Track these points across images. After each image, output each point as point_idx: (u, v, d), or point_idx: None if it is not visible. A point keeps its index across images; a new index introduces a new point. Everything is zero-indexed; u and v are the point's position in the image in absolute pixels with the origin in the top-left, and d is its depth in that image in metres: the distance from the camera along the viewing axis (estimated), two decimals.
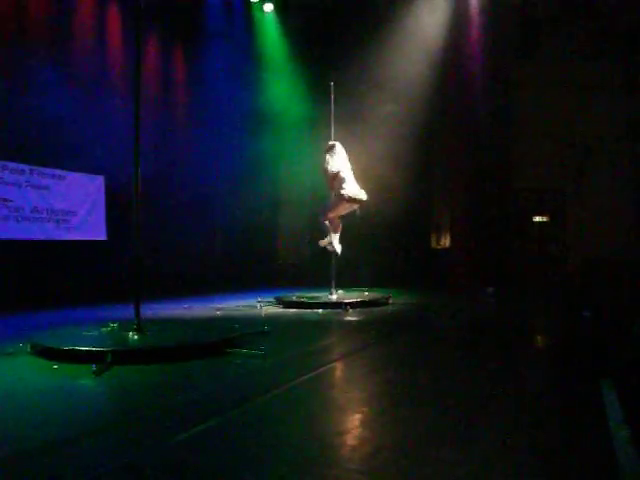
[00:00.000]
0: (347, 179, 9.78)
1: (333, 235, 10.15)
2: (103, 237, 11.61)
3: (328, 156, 9.93)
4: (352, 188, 9.76)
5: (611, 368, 4.74)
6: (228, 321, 7.71)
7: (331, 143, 10.01)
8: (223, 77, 13.94)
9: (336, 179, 9.82)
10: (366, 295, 10.47)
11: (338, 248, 10.16)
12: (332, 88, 10.50)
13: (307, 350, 5.68)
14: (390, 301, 10.22)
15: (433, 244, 14.73)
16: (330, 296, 9.98)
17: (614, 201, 12.50)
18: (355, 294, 10.56)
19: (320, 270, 10.63)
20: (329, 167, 9.91)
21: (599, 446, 2.92)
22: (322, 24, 14.75)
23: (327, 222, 10.11)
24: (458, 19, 13.69)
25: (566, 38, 13.04)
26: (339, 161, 9.89)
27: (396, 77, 13.48)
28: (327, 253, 10.42)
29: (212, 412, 3.52)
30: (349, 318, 8.42)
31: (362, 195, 9.78)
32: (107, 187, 11.66)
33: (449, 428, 3.20)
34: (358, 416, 3.42)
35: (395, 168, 13.01)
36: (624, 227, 12.25)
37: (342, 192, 9.69)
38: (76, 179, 11.21)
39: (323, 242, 10.26)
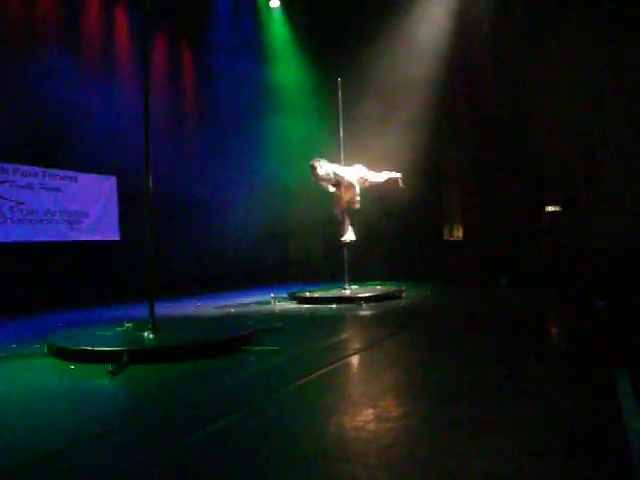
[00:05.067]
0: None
1: (348, 227, 10.27)
2: (116, 237, 11.68)
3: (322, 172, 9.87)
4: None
5: (625, 358, 4.72)
6: (242, 318, 7.73)
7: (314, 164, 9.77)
8: (231, 73, 13.95)
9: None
10: (379, 289, 10.47)
11: (353, 236, 10.34)
12: (339, 84, 10.49)
13: (321, 345, 5.70)
14: (404, 294, 10.22)
15: (446, 236, 14.70)
16: (343, 291, 10.00)
17: (627, 190, 12.41)
18: (368, 288, 10.57)
19: (333, 265, 10.64)
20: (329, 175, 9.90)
21: (613, 436, 2.92)
22: (329, 18, 14.72)
23: (341, 212, 10.23)
24: (466, 10, 13.64)
25: (576, 24, 12.95)
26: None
27: (405, 69, 13.44)
28: (340, 248, 10.45)
29: (228, 410, 3.54)
30: (363, 313, 8.43)
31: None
32: (120, 187, 11.72)
33: (464, 421, 3.21)
34: (373, 410, 3.43)
35: (406, 160, 12.98)
36: (638, 216, 12.16)
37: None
38: (88, 180, 11.28)
39: (345, 238, 10.30)
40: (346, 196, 10.16)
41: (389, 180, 10.60)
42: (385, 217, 13.74)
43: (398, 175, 10.65)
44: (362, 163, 10.35)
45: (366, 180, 10.20)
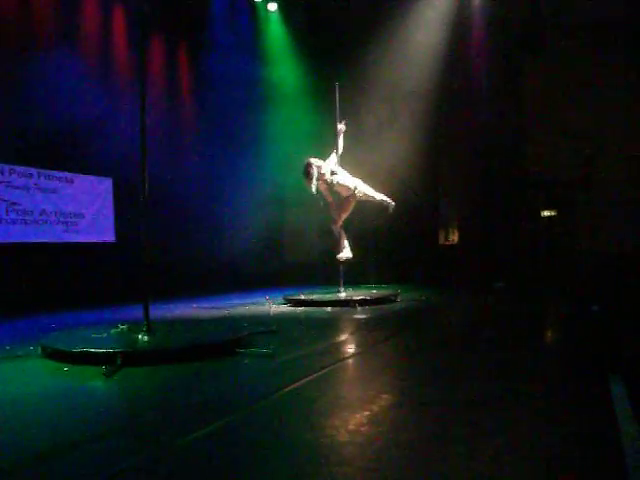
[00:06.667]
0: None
1: (344, 243, 10.25)
2: (112, 239, 11.66)
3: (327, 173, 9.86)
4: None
5: (620, 363, 4.73)
6: (237, 321, 7.73)
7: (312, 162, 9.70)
8: (229, 77, 13.96)
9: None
10: (374, 293, 10.46)
11: (349, 254, 10.29)
12: (337, 88, 10.50)
13: (316, 349, 5.70)
14: (399, 298, 10.22)
15: (441, 240, 14.71)
16: (339, 294, 9.99)
17: (624, 195, 12.45)
18: (364, 292, 10.56)
19: (328, 268, 10.65)
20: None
21: (607, 442, 2.92)
22: (326, 22, 14.76)
23: (338, 228, 10.18)
24: (463, 15, 13.68)
25: (574, 29, 12.99)
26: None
27: (401, 74, 13.47)
28: (335, 251, 10.45)
29: (221, 412, 3.54)
30: (358, 316, 8.42)
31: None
32: (116, 189, 11.71)
33: (458, 425, 3.21)
34: (367, 414, 3.43)
35: (401, 165, 13.01)
36: (634, 221, 12.20)
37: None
38: (84, 181, 11.27)
39: (342, 256, 10.26)
40: (341, 206, 10.13)
41: (383, 203, 10.51)
42: (381, 221, 13.75)
43: (392, 203, 10.55)
44: (360, 169, 10.37)
45: (361, 192, 10.12)
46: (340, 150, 10.02)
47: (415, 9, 13.74)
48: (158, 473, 2.69)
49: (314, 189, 9.61)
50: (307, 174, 9.54)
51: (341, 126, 10.13)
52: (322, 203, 9.85)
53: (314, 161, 9.64)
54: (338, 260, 10.27)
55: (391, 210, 10.55)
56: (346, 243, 10.28)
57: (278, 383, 4.22)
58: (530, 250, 13.34)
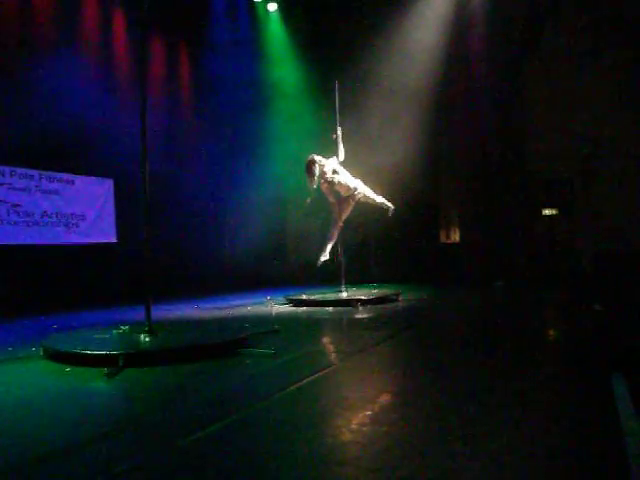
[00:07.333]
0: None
1: (328, 246, 10.17)
2: (113, 240, 11.67)
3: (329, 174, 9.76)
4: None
5: (622, 362, 4.72)
6: (238, 321, 7.73)
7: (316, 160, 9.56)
8: (230, 77, 13.96)
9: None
10: (376, 292, 10.45)
11: (327, 256, 10.15)
12: (337, 86, 10.47)
13: (317, 348, 5.70)
14: (400, 298, 10.21)
15: (442, 239, 14.71)
16: (340, 294, 9.98)
17: (624, 193, 12.44)
18: (365, 291, 10.55)
19: (330, 268, 10.64)
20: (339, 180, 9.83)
21: (609, 440, 2.92)
22: (326, 21, 14.77)
23: (337, 228, 10.12)
24: (463, 14, 13.68)
25: (572, 28, 12.99)
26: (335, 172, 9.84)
27: (402, 72, 13.47)
28: (336, 251, 10.42)
29: (223, 413, 3.54)
30: (359, 316, 8.42)
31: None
32: (117, 190, 11.72)
33: (459, 425, 3.20)
34: (369, 414, 3.43)
35: (402, 164, 13.00)
36: (635, 219, 12.19)
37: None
38: (85, 182, 11.28)
39: (321, 260, 10.15)
40: (341, 206, 10.07)
41: (383, 205, 10.51)
42: (382, 219, 13.75)
43: (391, 207, 10.55)
44: (361, 168, 10.35)
45: (360, 193, 10.07)
46: (342, 155, 9.97)
47: (415, 9, 13.75)
48: (159, 474, 2.69)
49: (315, 186, 9.58)
50: (309, 171, 9.50)
51: (336, 133, 10.07)
52: (308, 200, 9.79)
53: (317, 158, 9.59)
54: (318, 264, 10.12)
55: (391, 213, 10.56)
56: (328, 247, 10.15)
57: (280, 383, 4.22)
58: (531, 249, 13.33)
